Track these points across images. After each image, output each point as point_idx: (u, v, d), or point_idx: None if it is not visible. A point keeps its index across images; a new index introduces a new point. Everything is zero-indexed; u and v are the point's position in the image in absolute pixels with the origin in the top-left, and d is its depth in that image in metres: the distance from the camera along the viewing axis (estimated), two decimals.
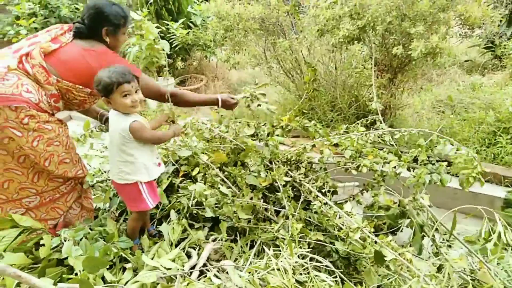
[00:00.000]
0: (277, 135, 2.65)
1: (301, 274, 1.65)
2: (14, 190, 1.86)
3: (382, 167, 2.33)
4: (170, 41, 4.68)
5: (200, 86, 5.34)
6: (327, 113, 3.37)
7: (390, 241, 1.82)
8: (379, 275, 1.90)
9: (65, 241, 1.73)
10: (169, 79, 5.02)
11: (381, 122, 2.62)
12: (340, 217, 2.07)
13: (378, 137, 2.35)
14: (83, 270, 1.58)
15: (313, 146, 2.43)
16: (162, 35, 4.65)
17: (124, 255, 1.88)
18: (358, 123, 2.63)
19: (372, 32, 2.48)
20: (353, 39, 2.50)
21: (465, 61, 5.21)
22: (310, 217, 2.14)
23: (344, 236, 1.89)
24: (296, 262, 1.67)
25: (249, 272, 1.67)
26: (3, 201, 1.88)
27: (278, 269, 1.73)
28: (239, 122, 2.59)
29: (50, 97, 1.84)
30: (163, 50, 3.43)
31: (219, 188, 2.08)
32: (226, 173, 2.39)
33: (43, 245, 1.75)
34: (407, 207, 2.22)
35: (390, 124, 3.17)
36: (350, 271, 1.92)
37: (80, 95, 1.91)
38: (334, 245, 1.92)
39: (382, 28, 2.23)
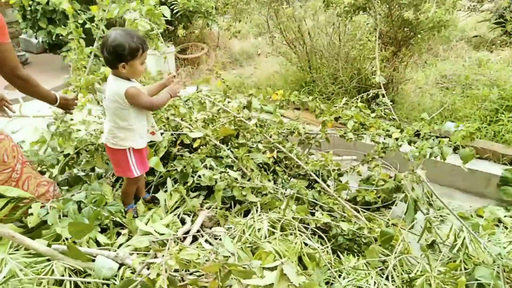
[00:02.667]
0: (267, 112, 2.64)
1: (291, 234, 1.67)
2: None
3: (384, 139, 2.32)
4: (171, 7, 4.55)
5: (201, 55, 5.25)
6: (328, 85, 3.32)
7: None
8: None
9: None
10: (169, 46, 4.93)
11: (383, 96, 2.59)
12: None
13: (381, 111, 2.33)
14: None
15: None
16: (163, 0, 4.52)
17: (117, 219, 1.90)
18: (358, 98, 2.60)
19: (378, 1, 2.39)
20: (358, 8, 2.41)
21: (474, 36, 5.06)
22: (315, 198, 2.14)
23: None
24: (285, 220, 1.69)
25: (240, 240, 1.70)
26: None
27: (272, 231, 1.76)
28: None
29: None
30: (164, 15, 3.35)
31: (227, 172, 2.08)
32: (230, 148, 2.40)
33: (31, 214, 1.75)
34: (403, 182, 2.22)
35: (392, 99, 3.12)
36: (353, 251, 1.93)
37: None
38: (339, 226, 1.92)
39: None
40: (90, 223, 1.64)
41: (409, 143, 2.33)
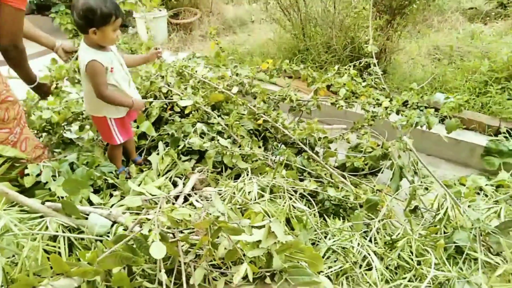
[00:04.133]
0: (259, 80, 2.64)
1: (280, 197, 1.72)
2: None
3: (374, 107, 2.36)
4: None
5: (193, 20, 5.13)
6: (321, 54, 3.30)
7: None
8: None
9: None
10: (161, 10, 4.81)
11: (375, 66, 2.60)
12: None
13: (371, 80, 2.35)
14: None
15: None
16: None
17: (110, 180, 1.93)
18: (350, 66, 2.60)
19: None
20: None
21: (469, 8, 5.02)
22: (304, 165, 2.19)
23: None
24: (274, 184, 1.74)
25: (231, 201, 1.75)
26: None
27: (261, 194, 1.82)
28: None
29: None
30: None
31: (218, 140, 2.10)
32: (220, 115, 2.41)
33: (28, 174, 1.77)
34: (390, 149, 2.28)
35: (384, 69, 3.14)
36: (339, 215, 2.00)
37: None
38: (326, 192, 1.98)
39: None
40: (84, 181, 1.67)
41: (398, 112, 2.38)
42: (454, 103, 2.22)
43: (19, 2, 1.60)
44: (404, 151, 2.27)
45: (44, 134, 2.34)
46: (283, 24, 3.69)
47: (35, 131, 2.31)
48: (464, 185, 2.41)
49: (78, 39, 4.60)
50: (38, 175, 1.75)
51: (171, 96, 2.42)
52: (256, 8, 4.62)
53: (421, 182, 2.34)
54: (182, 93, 2.35)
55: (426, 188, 2.47)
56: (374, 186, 2.19)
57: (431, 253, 1.59)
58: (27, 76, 1.92)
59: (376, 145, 2.45)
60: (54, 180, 1.77)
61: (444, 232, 1.77)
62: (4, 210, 1.53)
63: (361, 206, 1.95)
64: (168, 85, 2.46)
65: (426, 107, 2.56)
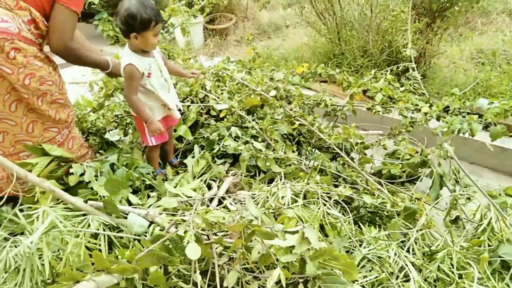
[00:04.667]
0: (294, 84, 2.63)
1: (314, 203, 1.71)
2: (9, 143, 1.81)
3: (412, 113, 2.29)
4: None
5: (229, 26, 5.21)
6: (357, 58, 3.25)
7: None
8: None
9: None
10: (198, 16, 4.91)
11: (414, 70, 2.52)
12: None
13: (410, 85, 2.28)
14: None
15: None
16: None
17: (147, 181, 1.99)
18: (387, 70, 2.54)
19: None
20: None
21: None
22: (338, 170, 2.16)
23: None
24: (307, 189, 1.72)
25: (264, 206, 1.75)
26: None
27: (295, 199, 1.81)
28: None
29: (28, 24, 1.69)
30: None
31: (252, 143, 2.12)
32: (255, 119, 2.43)
33: (72, 173, 1.87)
34: (429, 156, 2.20)
35: (423, 74, 3.03)
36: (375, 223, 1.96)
37: (46, 29, 1.74)
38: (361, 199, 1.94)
39: None
40: (125, 181, 1.74)
41: (438, 118, 2.29)
42: (499, 109, 2.11)
43: (71, 2, 1.67)
44: (445, 159, 2.18)
45: (88, 136, 2.46)
46: (318, 28, 3.67)
47: (81, 133, 2.43)
48: (511, 196, 2.28)
49: (119, 45, 4.81)
50: (82, 174, 1.84)
51: (208, 101, 2.46)
52: (290, 12, 4.62)
53: (463, 192, 2.24)
54: (218, 97, 2.39)
55: (468, 198, 2.36)
56: (412, 194, 2.11)
57: (474, 266, 1.51)
58: (96, 67, 1.99)
59: (415, 152, 2.37)
60: (96, 180, 1.86)
61: (488, 245, 1.68)
62: (51, 207, 1.63)
63: (398, 215, 1.89)
64: (205, 89, 2.51)
65: (468, 113, 2.45)
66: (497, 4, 4.08)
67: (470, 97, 2.88)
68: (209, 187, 2.07)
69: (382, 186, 2.14)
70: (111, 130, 2.49)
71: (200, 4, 3.24)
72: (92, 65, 1.97)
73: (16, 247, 1.41)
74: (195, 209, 1.46)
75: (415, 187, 2.28)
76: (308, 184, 1.83)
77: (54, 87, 1.83)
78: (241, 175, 2.13)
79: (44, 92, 1.78)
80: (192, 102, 2.48)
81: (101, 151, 2.39)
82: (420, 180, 2.32)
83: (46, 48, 1.84)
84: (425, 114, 2.15)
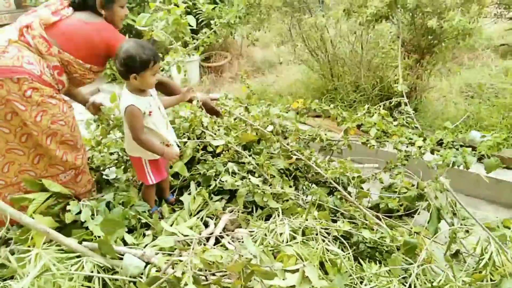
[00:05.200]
0: (289, 119, 2.68)
1: (312, 240, 1.68)
2: (13, 173, 1.86)
3: (407, 147, 2.32)
4: (196, 16, 4.67)
5: (224, 63, 5.35)
6: (350, 93, 3.33)
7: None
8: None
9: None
10: (194, 54, 5.05)
11: (406, 105, 2.58)
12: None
13: (403, 119, 2.33)
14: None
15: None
16: (189, 10, 4.64)
17: (143, 219, 1.96)
18: (380, 105, 2.60)
19: (401, 10, 2.39)
20: (381, 17, 2.43)
21: (501, 45, 4.96)
22: (336, 205, 2.16)
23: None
24: (306, 226, 1.70)
25: (262, 244, 1.73)
26: (2, 186, 1.88)
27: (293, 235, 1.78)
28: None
29: (53, 69, 1.83)
30: (189, 25, 3.44)
31: (249, 178, 2.12)
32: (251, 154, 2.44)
33: (69, 210, 1.85)
34: (426, 190, 2.20)
35: (415, 108, 3.10)
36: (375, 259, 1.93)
37: (81, 69, 1.90)
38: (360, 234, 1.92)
39: (413, 3, 2.14)
40: (121, 221, 1.71)
41: (432, 151, 2.31)
42: (492, 142, 2.15)
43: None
44: (441, 192, 2.19)
45: None
46: (311, 65, 3.78)
47: None
48: (509, 228, 2.27)
49: (116, 83, 4.89)
50: (78, 213, 1.82)
51: (204, 137, 2.48)
52: (283, 50, 4.76)
53: (461, 224, 2.23)
54: (215, 134, 2.41)
55: (467, 231, 2.34)
56: (411, 228, 2.10)
57: None
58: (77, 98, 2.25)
59: (411, 185, 2.38)
60: (92, 219, 1.83)
61: (491, 280, 1.65)
62: (44, 249, 1.59)
63: (398, 249, 1.87)
64: (202, 125, 2.54)
65: (462, 146, 2.49)
66: (482, 41, 4.26)
67: (462, 129, 2.94)
68: (206, 225, 2.04)
69: (380, 220, 2.13)
70: (110, 167, 2.47)
71: (194, 43, 3.33)
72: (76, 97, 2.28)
73: None
74: (193, 249, 1.44)
75: (413, 221, 2.27)
76: (306, 220, 1.82)
77: (66, 128, 1.89)
78: (238, 212, 2.11)
79: (54, 131, 1.84)
80: (189, 138, 2.50)
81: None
82: (418, 214, 2.31)
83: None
84: (419, 147, 2.17)
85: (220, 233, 1.95)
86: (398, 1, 2.27)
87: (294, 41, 3.73)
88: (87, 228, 1.81)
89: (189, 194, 2.28)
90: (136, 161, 2.01)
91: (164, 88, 2.20)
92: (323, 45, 3.51)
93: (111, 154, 2.48)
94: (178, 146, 2.11)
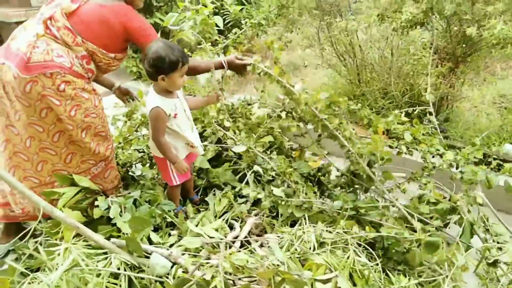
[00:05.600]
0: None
1: (340, 249, 1.64)
2: (47, 173, 1.89)
3: (433, 157, 2.25)
4: (223, 17, 4.68)
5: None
6: (378, 100, 3.26)
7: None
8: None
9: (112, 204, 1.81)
10: (220, 55, 5.06)
11: (431, 114, 2.50)
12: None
13: (429, 128, 2.26)
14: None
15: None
16: (216, 10, 4.64)
17: (169, 218, 1.96)
18: (405, 111, 2.52)
19: (437, 16, 2.32)
20: (416, 24, 2.36)
21: None
22: (365, 210, 2.10)
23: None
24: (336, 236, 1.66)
25: (289, 250, 1.69)
26: (36, 184, 1.91)
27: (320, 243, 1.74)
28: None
29: (81, 59, 1.81)
30: (216, 25, 3.44)
31: (272, 190, 2.08)
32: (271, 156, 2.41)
33: (97, 206, 1.86)
34: (459, 203, 2.12)
35: (446, 117, 3.01)
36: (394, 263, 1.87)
37: (105, 58, 1.87)
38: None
39: (451, 10, 2.07)
40: (149, 219, 1.71)
41: (457, 166, 2.22)
42: None
43: (152, 36, 1.85)
44: (471, 205, 2.11)
45: None
46: (338, 70, 3.72)
47: None
48: None
49: (141, 81, 4.94)
50: (106, 209, 1.83)
51: (225, 140, 2.47)
52: (309, 53, 4.71)
53: (493, 241, 2.14)
54: (237, 138, 2.39)
55: (500, 248, 2.25)
56: (442, 242, 2.02)
57: None
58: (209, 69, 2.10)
59: (442, 197, 2.30)
60: (119, 215, 1.83)
61: None
62: (73, 243, 1.60)
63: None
64: (223, 128, 2.52)
65: (495, 159, 2.40)
66: None
67: (496, 142, 2.83)
68: (231, 227, 2.02)
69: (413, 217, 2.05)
70: (135, 164, 2.49)
71: (224, 43, 3.33)
72: (210, 69, 2.07)
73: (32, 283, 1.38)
74: (222, 253, 1.42)
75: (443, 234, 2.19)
76: (334, 230, 1.77)
77: (98, 119, 1.92)
78: (263, 216, 2.08)
79: (88, 124, 1.87)
80: (210, 142, 2.49)
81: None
82: (448, 227, 2.23)
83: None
84: (450, 164, 2.10)
85: (245, 236, 1.93)
86: (434, 8, 2.20)
87: (322, 45, 3.68)
88: (113, 224, 1.82)
89: (214, 194, 2.27)
90: (160, 161, 2.01)
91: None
92: (352, 49, 3.45)
93: (138, 151, 2.49)
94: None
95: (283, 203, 2.05)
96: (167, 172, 2.01)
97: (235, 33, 3.13)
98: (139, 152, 2.51)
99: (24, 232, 1.45)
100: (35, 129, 1.80)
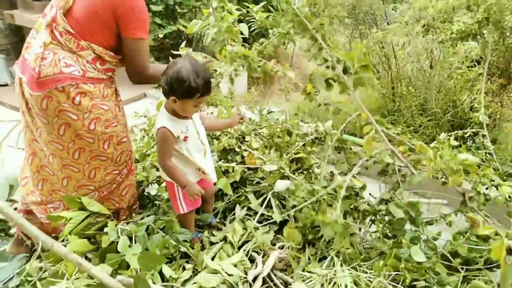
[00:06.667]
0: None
1: None
2: (73, 188, 1.79)
3: (487, 189, 1.97)
4: (248, 24, 4.51)
5: (273, 74, 5.15)
6: (415, 117, 2.98)
7: None
8: None
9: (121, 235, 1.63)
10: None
11: (484, 137, 2.22)
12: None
13: (483, 155, 1.98)
14: None
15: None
16: (242, 17, 4.47)
17: (184, 249, 1.76)
18: (450, 135, 2.25)
19: (491, 26, 2.05)
20: (469, 35, 2.10)
21: None
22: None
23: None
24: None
25: None
26: None
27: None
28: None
29: (93, 62, 1.60)
30: (241, 33, 3.26)
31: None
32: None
33: (106, 233, 1.69)
34: None
35: (493, 139, 2.71)
36: None
37: (114, 60, 1.65)
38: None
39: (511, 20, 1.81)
40: (161, 256, 1.51)
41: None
42: None
43: (137, 31, 1.57)
44: None
45: None
46: (371, 83, 3.47)
47: None
48: None
49: (159, 89, 4.83)
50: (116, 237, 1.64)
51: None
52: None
53: None
54: (266, 157, 2.18)
55: None
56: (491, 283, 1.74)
57: None
58: None
59: (495, 233, 2.01)
60: (129, 246, 1.65)
61: None
62: (75, 279, 1.43)
63: None
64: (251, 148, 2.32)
65: None
66: None
67: None
68: (252, 260, 1.81)
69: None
70: (152, 183, 2.32)
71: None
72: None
73: None
74: None
75: (496, 277, 1.91)
76: (376, 275, 1.53)
77: (119, 127, 1.77)
78: (288, 248, 1.86)
79: (110, 135, 1.73)
80: (236, 162, 2.29)
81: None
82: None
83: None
84: (509, 197, 1.82)
85: (268, 273, 1.71)
86: (491, 18, 1.94)
87: None
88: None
89: (234, 218, 2.07)
90: (169, 185, 1.81)
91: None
92: (387, 61, 3.19)
93: (156, 169, 2.32)
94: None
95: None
96: (174, 198, 1.81)
97: (262, 43, 2.94)
98: (157, 170, 2.34)
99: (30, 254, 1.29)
100: (55, 147, 1.68)
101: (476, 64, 2.82)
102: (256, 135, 2.56)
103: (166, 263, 1.69)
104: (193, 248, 1.80)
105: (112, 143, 1.75)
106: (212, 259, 1.76)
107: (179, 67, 1.48)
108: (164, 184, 2.31)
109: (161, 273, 1.64)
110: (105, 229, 1.70)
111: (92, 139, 1.68)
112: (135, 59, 1.63)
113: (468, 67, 2.74)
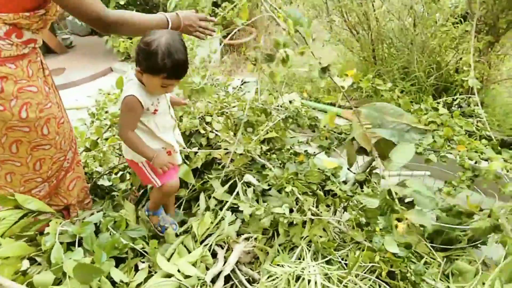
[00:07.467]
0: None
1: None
2: (19, 183, 1.59)
3: (475, 162, 1.81)
4: None
5: (248, 40, 4.82)
6: (397, 81, 2.76)
7: None
8: None
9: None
10: (215, 31, 4.55)
11: (476, 105, 2.02)
12: None
13: (472, 123, 1.79)
14: None
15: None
16: None
17: (136, 248, 1.58)
18: (438, 102, 2.05)
19: None
20: None
21: None
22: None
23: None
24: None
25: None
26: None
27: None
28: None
29: (7, 37, 1.32)
30: None
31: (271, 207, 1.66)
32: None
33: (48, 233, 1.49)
34: (501, 220, 1.69)
35: (481, 101, 2.51)
36: None
37: (33, 22, 1.36)
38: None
39: None
40: (98, 268, 1.31)
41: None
42: None
43: None
44: None
45: None
46: (350, 45, 3.20)
47: None
48: None
49: (129, 62, 4.48)
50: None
51: (217, 142, 2.04)
52: (317, 25, 4.17)
53: None
54: (231, 139, 1.96)
55: None
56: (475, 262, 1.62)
57: None
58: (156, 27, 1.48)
59: (479, 210, 1.86)
60: (71, 250, 1.46)
61: None
62: None
63: None
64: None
65: None
66: None
67: None
68: (215, 255, 1.64)
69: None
70: (106, 174, 2.09)
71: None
72: (152, 27, 1.44)
73: None
74: None
75: (482, 254, 1.78)
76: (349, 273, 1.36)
77: (54, 107, 1.53)
78: (255, 240, 1.68)
79: (47, 119, 1.50)
80: (201, 145, 2.06)
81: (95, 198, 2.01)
82: (486, 245, 1.81)
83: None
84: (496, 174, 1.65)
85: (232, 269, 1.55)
86: None
87: (331, 16, 3.15)
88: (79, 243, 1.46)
89: (198, 207, 1.89)
90: (133, 165, 1.63)
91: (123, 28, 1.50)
92: (366, 20, 2.91)
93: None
94: (184, 148, 1.70)
95: (285, 221, 1.64)
96: (144, 175, 1.62)
97: (225, 7, 2.64)
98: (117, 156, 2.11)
99: None
100: None
101: (462, 20, 2.57)
102: (223, 113, 2.32)
103: (116, 263, 1.51)
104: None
105: (51, 126, 1.53)
106: (170, 258, 1.58)
107: (153, 39, 1.29)
108: (120, 173, 2.10)
109: (110, 277, 1.46)
110: (46, 229, 1.50)
111: (27, 127, 1.44)
112: (80, 5, 1.33)
113: (453, 23, 2.48)
